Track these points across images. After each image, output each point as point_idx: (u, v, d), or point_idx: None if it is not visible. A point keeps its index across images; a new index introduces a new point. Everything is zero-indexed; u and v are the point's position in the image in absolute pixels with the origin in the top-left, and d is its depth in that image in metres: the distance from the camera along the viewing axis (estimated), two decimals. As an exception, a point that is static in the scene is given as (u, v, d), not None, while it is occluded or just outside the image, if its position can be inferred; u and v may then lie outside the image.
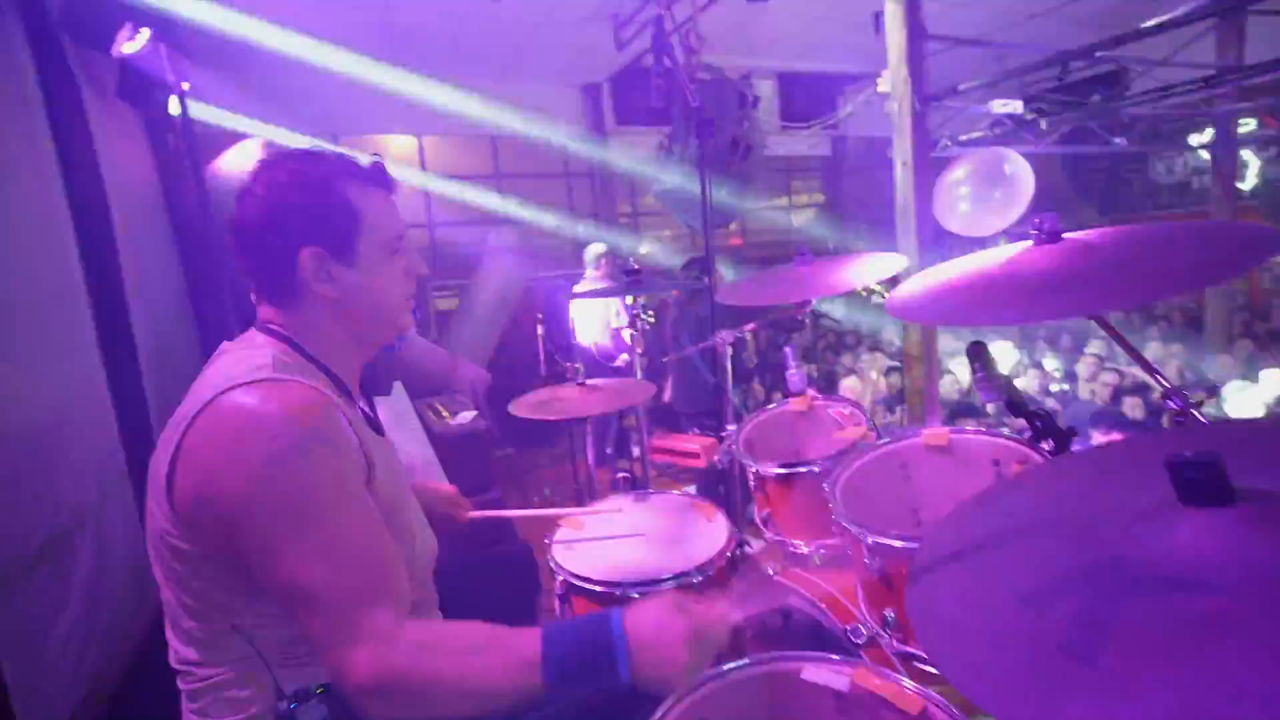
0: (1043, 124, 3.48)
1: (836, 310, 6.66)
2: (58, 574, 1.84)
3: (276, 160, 0.95)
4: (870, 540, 1.02)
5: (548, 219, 5.88)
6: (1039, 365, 5.07)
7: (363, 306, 0.96)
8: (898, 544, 1.00)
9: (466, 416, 2.60)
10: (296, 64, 4.41)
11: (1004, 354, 5.17)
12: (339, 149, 1.02)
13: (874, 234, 6.44)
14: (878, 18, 4.04)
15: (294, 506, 0.80)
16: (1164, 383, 0.96)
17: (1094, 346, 4.92)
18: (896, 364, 4.25)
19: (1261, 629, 0.50)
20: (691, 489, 2.29)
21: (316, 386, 0.91)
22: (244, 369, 0.87)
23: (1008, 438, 1.21)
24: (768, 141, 6.62)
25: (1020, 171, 3.47)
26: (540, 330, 1.67)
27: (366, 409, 1.08)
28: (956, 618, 0.64)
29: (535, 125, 5.86)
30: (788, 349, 1.49)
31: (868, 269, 1.51)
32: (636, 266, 1.76)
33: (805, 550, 1.41)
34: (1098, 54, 3.40)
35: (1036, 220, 1.06)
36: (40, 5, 2.14)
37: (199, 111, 3.64)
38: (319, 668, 0.90)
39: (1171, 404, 0.93)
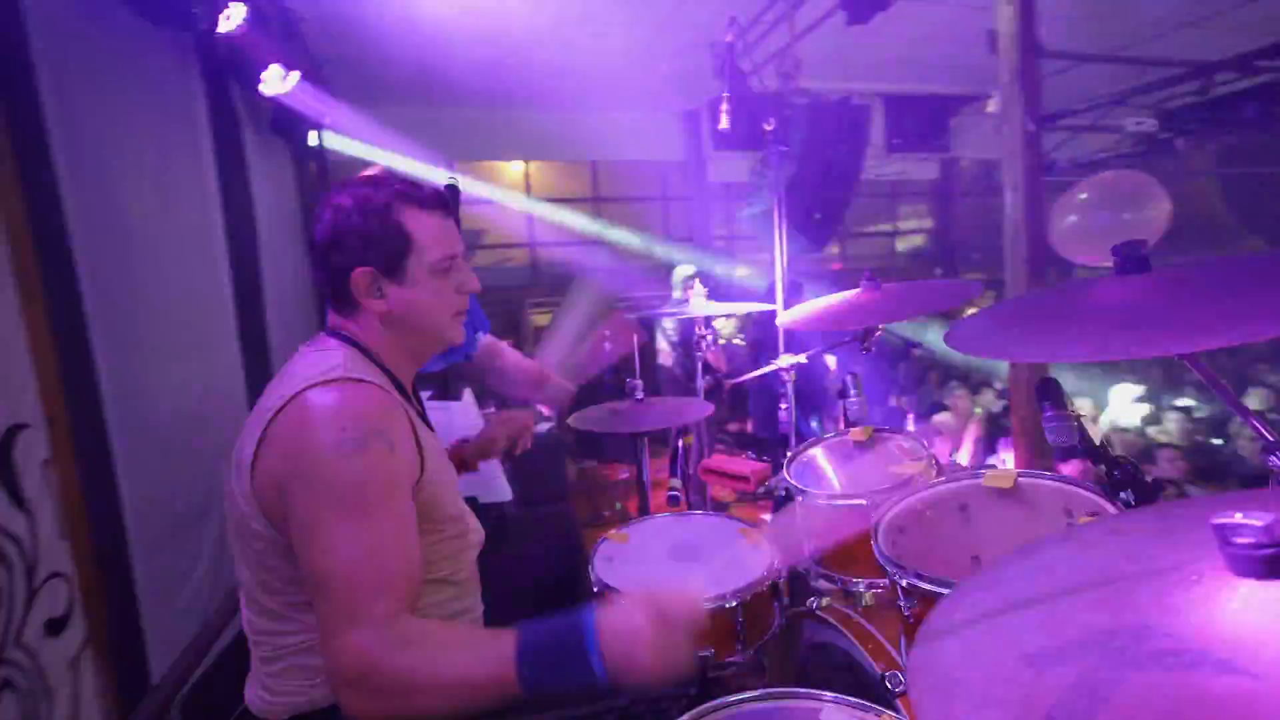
0: (1179, 143, 3.13)
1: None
2: (195, 534, 2.13)
3: (346, 187, 1.06)
4: (905, 582, 0.96)
5: (642, 241, 6.01)
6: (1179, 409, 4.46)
7: (410, 319, 1.06)
8: (928, 587, 0.93)
9: (543, 427, 2.69)
10: (419, 97, 4.84)
11: (1125, 398, 4.61)
12: (407, 176, 1.11)
13: (987, 261, 6.03)
14: (992, 36, 3.83)
15: (340, 494, 0.88)
16: (1267, 434, 0.84)
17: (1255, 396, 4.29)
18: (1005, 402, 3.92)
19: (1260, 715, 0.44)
20: (767, 517, 2.24)
21: (384, 387, 1.01)
22: (320, 369, 0.98)
23: (1083, 486, 1.10)
24: (872, 166, 6.43)
25: (1152, 195, 3.14)
26: (608, 348, 1.71)
27: (420, 407, 1.17)
28: (954, 673, 0.60)
29: (635, 150, 6.04)
30: (847, 376, 1.44)
31: (935, 296, 1.43)
32: (704, 287, 1.77)
33: (859, 588, 1.34)
34: (1257, 64, 3.02)
35: (1117, 246, 0.97)
36: (212, 50, 2.51)
37: (333, 141, 4.09)
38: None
39: (1274, 459, 0.81)
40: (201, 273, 2.55)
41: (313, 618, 0.95)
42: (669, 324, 3.98)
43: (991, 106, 3.60)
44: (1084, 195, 3.28)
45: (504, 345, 3.83)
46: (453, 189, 1.37)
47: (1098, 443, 1.00)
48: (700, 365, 1.99)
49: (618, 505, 3.41)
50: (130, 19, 1.93)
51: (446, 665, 0.83)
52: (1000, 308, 1.03)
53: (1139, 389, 4.60)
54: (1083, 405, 4.74)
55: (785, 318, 1.54)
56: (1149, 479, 0.97)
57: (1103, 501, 1.04)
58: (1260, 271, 0.88)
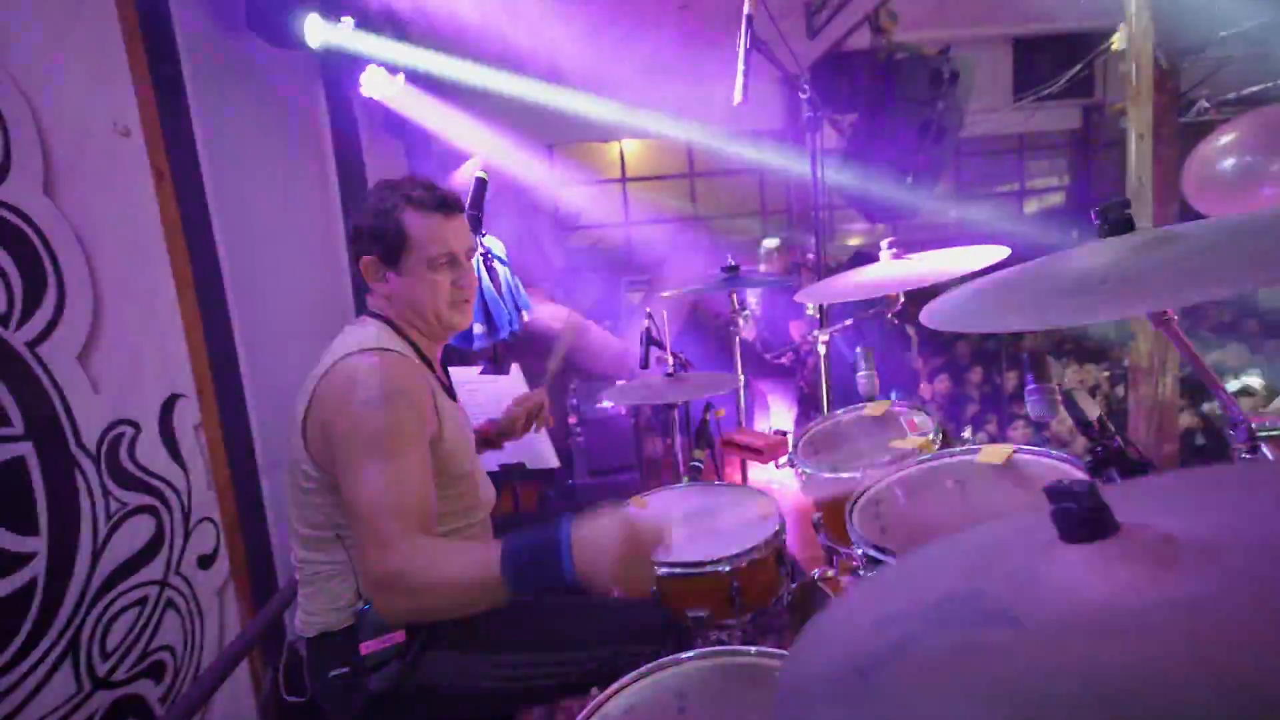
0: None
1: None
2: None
3: (372, 190, 1.27)
4: (860, 552, 0.97)
5: (738, 217, 5.93)
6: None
7: (409, 302, 1.25)
8: (882, 559, 0.94)
9: (611, 403, 2.82)
10: (519, 90, 5.08)
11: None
12: (423, 181, 1.27)
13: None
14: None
15: (371, 437, 1.08)
16: (1232, 407, 0.75)
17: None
18: (1106, 374, 3.48)
19: (1017, 664, 0.46)
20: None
21: (408, 356, 1.21)
22: (355, 341, 1.19)
23: (1074, 463, 1.03)
24: (994, 118, 5.84)
25: (1323, 134, 2.61)
26: (646, 324, 1.79)
27: (443, 378, 1.34)
28: (825, 631, 0.64)
29: (730, 121, 5.92)
30: (858, 350, 1.41)
31: (964, 260, 1.36)
32: (733, 263, 1.79)
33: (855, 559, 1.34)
34: None
35: (1099, 208, 0.90)
36: (328, 60, 2.86)
37: (438, 131, 4.42)
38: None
39: (1233, 433, 0.73)
40: (323, 264, 2.94)
41: (340, 549, 1.16)
42: (751, 298, 3.95)
43: (1118, 42, 3.16)
44: (1229, 137, 2.80)
45: (590, 324, 4.03)
46: (481, 183, 1.51)
47: (1084, 419, 0.93)
48: (738, 342, 2.01)
49: (685, 480, 3.48)
50: (260, 43, 2.27)
51: (447, 568, 0.99)
52: (983, 280, 0.99)
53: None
54: (1254, 382, 4.06)
55: (805, 293, 1.53)
56: (1136, 457, 0.89)
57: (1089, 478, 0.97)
58: (1252, 228, 0.79)
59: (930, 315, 0.98)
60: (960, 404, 4.47)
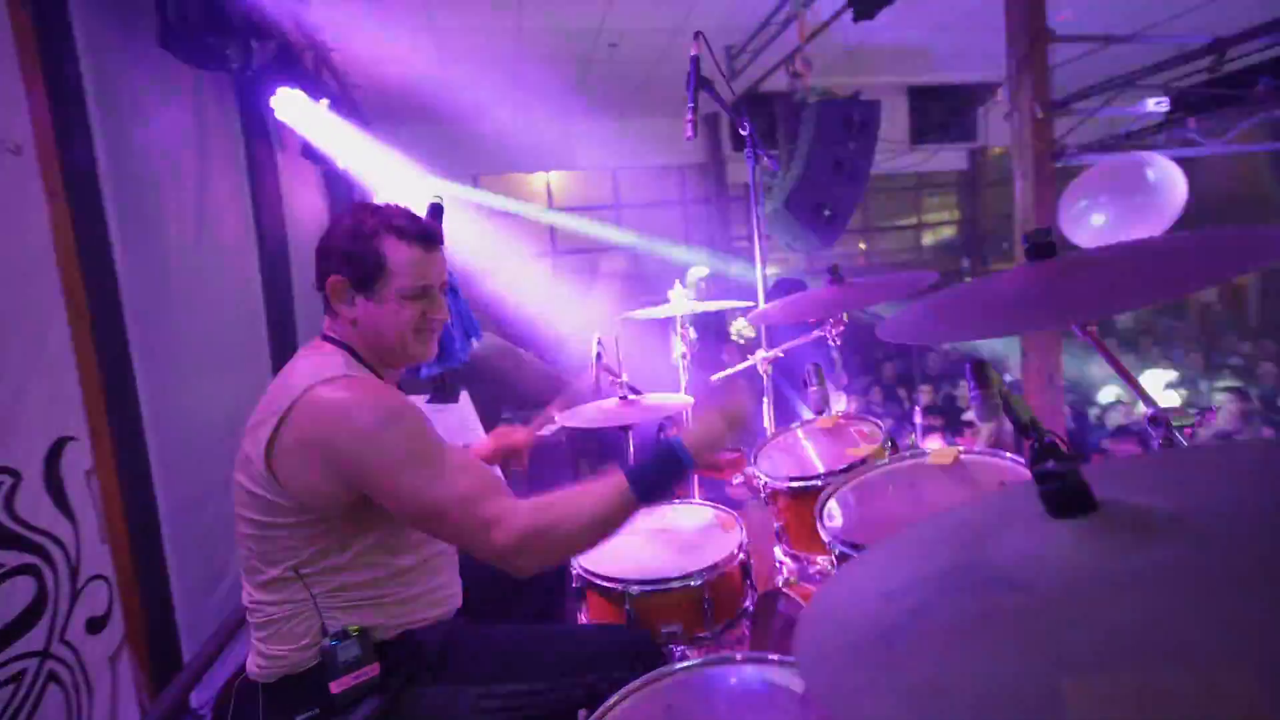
0: (1191, 122, 3.05)
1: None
2: (228, 536, 2.30)
3: (349, 211, 1.23)
4: (837, 550, 1.04)
5: (662, 246, 6.11)
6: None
7: (373, 329, 1.20)
8: (852, 553, 1.01)
9: (550, 429, 2.81)
10: (445, 119, 5.06)
11: (1157, 384, 4.46)
12: (406, 211, 1.23)
13: (1015, 250, 5.89)
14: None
15: (406, 449, 1.06)
16: (1149, 403, 0.88)
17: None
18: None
19: (1030, 624, 0.52)
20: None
21: (382, 382, 1.18)
22: (328, 368, 1.13)
23: (1016, 460, 1.15)
24: (894, 158, 6.37)
25: (1167, 177, 3.06)
26: (596, 350, 1.82)
27: None
28: (832, 609, 0.69)
29: (655, 156, 6.14)
30: (807, 366, 1.51)
31: (894, 288, 1.49)
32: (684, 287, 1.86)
33: (814, 567, 1.41)
34: (1268, 36, 2.93)
35: (1026, 235, 1.03)
36: (247, 84, 2.74)
37: (362, 163, 4.32)
38: (356, 614, 1.12)
39: (1150, 428, 0.86)
40: (236, 292, 2.77)
41: (300, 588, 1.11)
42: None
43: (1000, 95, 3.58)
44: (1092, 180, 3.22)
45: (521, 351, 3.98)
46: (436, 207, 1.50)
47: (1023, 421, 1.05)
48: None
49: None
50: (173, 62, 2.13)
51: (581, 507, 1.06)
52: (928, 299, 1.10)
53: (1170, 374, 4.46)
54: (1114, 393, 4.61)
55: (756, 315, 1.62)
56: (1068, 453, 1.01)
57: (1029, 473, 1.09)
58: (1166, 249, 0.93)
59: (888, 331, 1.07)
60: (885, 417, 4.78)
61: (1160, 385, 4.44)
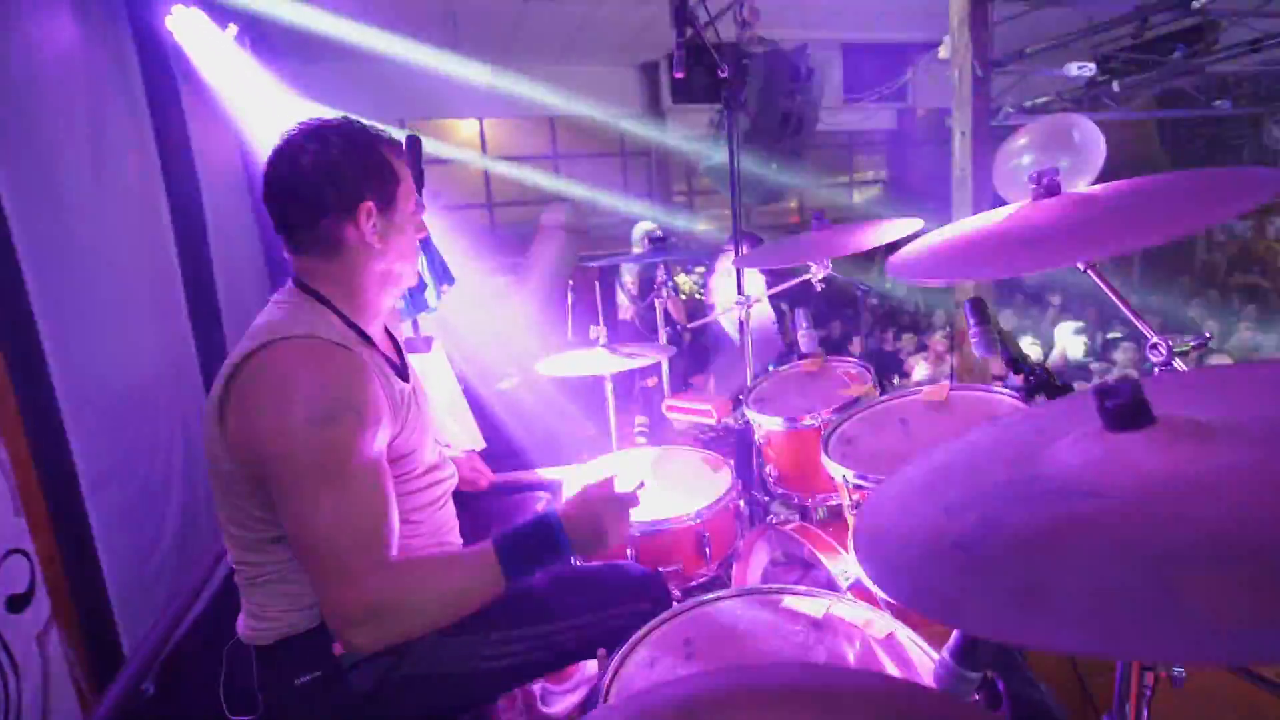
0: (1115, 86, 3.25)
1: (899, 289, 6.46)
2: (159, 505, 2.13)
3: (319, 125, 1.02)
4: (851, 482, 1.07)
5: (603, 198, 5.97)
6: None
7: (395, 253, 1.07)
8: (867, 484, 1.04)
9: (509, 383, 2.74)
10: (366, 55, 4.66)
11: (1067, 333, 4.92)
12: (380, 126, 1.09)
13: (941, 209, 6.19)
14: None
15: (319, 467, 0.91)
16: (1149, 331, 0.96)
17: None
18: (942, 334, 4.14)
19: (1115, 527, 0.54)
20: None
21: (347, 346, 1.00)
22: (284, 324, 0.98)
23: (1004, 394, 1.22)
24: (828, 116, 6.46)
25: (1089, 138, 3.26)
26: (570, 299, 1.76)
27: (392, 355, 1.18)
28: (887, 524, 0.70)
29: (593, 105, 5.94)
30: (799, 311, 1.53)
31: (882, 233, 1.52)
32: (660, 234, 1.82)
33: (810, 504, 1.46)
34: (1185, 5, 3.14)
35: (1034, 175, 1.06)
36: (147, 5, 2.40)
37: (278, 102, 3.93)
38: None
39: (1153, 354, 0.93)
40: (144, 240, 2.46)
41: (282, 548, 1.00)
42: (629, 279, 4.02)
43: (944, 52, 3.67)
44: (1023, 140, 3.40)
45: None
46: (414, 140, 1.38)
47: (1015, 355, 1.11)
48: (662, 314, 2.05)
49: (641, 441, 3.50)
50: None
51: (442, 581, 0.95)
52: (934, 238, 1.12)
53: (1078, 323, 4.90)
54: (1030, 343, 5.02)
55: (742, 260, 1.61)
56: (1059, 383, 1.09)
57: (1020, 405, 1.17)
58: (1160, 188, 0.99)
59: (895, 268, 1.09)
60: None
61: (1070, 332, 4.88)
